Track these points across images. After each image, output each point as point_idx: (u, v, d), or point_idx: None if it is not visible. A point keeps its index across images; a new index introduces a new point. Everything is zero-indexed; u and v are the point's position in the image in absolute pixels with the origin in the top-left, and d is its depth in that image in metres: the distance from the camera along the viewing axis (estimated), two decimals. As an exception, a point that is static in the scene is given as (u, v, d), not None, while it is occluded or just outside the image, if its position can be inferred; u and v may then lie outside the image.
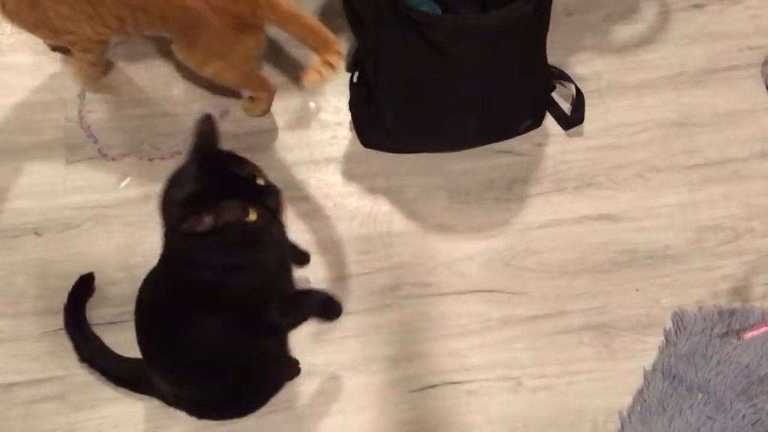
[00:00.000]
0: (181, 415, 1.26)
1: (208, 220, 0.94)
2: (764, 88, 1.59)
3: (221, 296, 1.07)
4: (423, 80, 1.31)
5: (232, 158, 1.03)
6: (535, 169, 1.53)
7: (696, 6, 1.67)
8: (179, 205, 0.97)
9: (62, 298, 1.38)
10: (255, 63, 1.47)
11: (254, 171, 1.02)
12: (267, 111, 1.58)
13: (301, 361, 1.36)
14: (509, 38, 1.25)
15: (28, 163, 1.50)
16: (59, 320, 1.36)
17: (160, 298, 1.13)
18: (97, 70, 1.54)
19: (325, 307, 1.17)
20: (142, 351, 1.18)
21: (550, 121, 1.56)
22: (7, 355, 1.36)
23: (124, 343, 1.33)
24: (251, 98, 1.55)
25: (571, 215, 1.49)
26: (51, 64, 1.59)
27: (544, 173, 1.53)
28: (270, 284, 1.13)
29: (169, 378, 1.19)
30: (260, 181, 1.01)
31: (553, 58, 1.50)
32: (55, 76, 1.59)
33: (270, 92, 1.54)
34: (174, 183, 1.01)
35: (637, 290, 1.43)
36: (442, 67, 1.27)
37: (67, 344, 1.35)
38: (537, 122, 1.52)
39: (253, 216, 0.98)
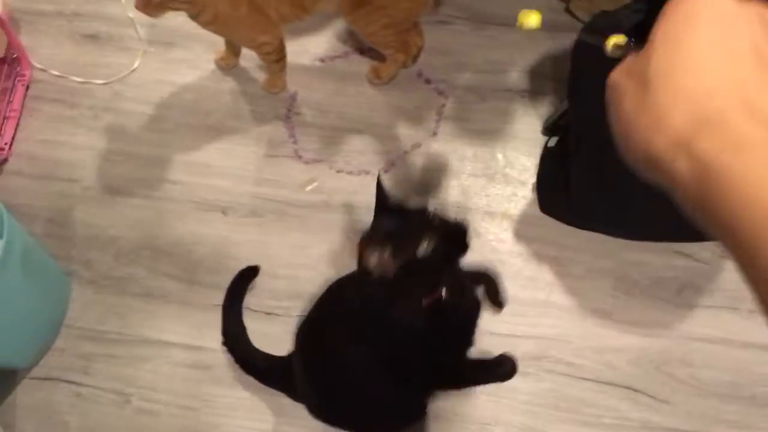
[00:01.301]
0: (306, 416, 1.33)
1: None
2: None
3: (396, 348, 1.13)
4: (625, 173, 1.29)
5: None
6: (712, 280, 1.48)
7: None
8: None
9: (230, 278, 1.49)
10: (415, 22, 1.57)
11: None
12: (393, 78, 1.67)
13: (429, 403, 1.39)
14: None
15: (233, 147, 1.63)
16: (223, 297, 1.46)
17: (340, 314, 1.20)
18: (281, 65, 1.63)
19: (496, 374, 1.23)
20: (303, 350, 1.24)
21: (738, 235, 1.50)
22: (172, 315, 1.48)
23: (272, 336, 1.42)
24: (380, 67, 1.66)
25: (738, 338, 1.43)
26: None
27: (720, 287, 1.47)
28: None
29: (316, 385, 1.25)
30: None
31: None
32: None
33: (408, 55, 1.62)
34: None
35: (793, 436, 1.35)
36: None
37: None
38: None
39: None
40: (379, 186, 1.14)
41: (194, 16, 1.36)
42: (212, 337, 1.45)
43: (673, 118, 0.38)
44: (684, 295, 1.47)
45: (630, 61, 0.43)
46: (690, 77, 0.39)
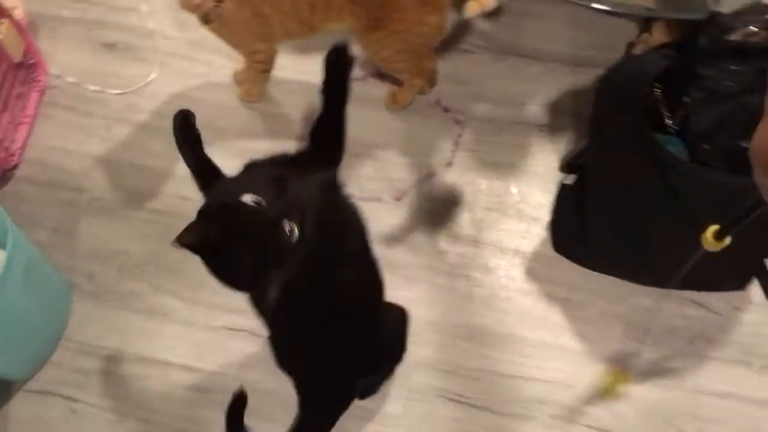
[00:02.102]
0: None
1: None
2: None
3: None
4: (644, 213, 1.27)
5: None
6: (725, 332, 1.44)
7: None
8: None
9: (236, 301, 1.45)
10: (430, 48, 1.54)
11: None
12: (410, 103, 1.65)
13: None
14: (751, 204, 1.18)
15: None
16: (227, 319, 1.44)
17: None
18: (266, 76, 1.62)
19: None
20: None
21: (755, 287, 1.46)
22: (172, 335, 1.45)
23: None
24: (397, 92, 1.64)
25: (750, 394, 1.39)
26: (289, 83, 1.70)
27: (733, 340, 1.43)
28: None
29: None
30: None
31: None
32: (290, 93, 1.69)
33: (425, 80, 1.61)
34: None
35: (802, 501, 1.31)
36: (668, 208, 1.23)
37: (227, 344, 1.43)
38: (742, 285, 1.44)
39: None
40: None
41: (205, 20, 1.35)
42: (212, 360, 1.42)
43: None
44: (695, 345, 1.43)
45: None
46: None
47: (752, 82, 1.18)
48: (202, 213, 0.98)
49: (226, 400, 1.38)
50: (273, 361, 1.24)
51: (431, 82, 1.65)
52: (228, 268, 0.97)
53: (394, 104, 1.65)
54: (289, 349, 1.22)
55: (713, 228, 0.48)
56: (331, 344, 1.15)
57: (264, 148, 1.62)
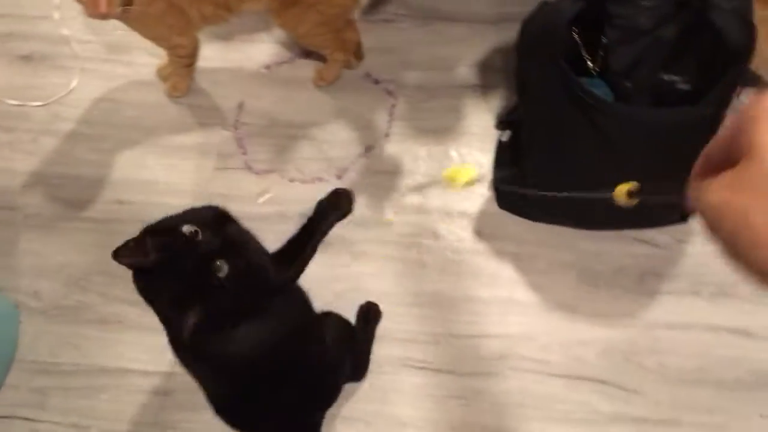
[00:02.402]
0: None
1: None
2: None
3: None
4: (580, 160, 1.28)
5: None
6: (672, 265, 1.47)
7: None
8: None
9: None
10: (346, 19, 1.53)
11: None
12: (337, 78, 1.64)
13: (396, 411, 1.36)
14: (680, 136, 1.20)
15: (181, 162, 1.58)
16: (180, 318, 1.42)
17: None
18: (190, 69, 1.60)
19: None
20: None
21: (697, 218, 1.49)
22: (129, 342, 1.43)
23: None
24: (323, 69, 1.63)
25: (702, 322, 1.42)
26: (218, 72, 1.68)
27: (681, 272, 1.47)
28: None
29: None
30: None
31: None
32: (219, 84, 1.67)
33: (349, 54, 1.60)
34: None
35: (762, 417, 1.34)
36: (603, 151, 1.24)
37: (184, 344, 1.41)
38: (684, 217, 1.46)
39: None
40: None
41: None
42: (172, 361, 1.40)
43: None
44: (646, 282, 1.46)
45: (730, 176, 0.40)
46: None
47: (665, 16, 1.19)
48: (145, 232, 0.98)
49: (191, 399, 1.38)
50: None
51: (357, 55, 1.64)
52: (151, 290, 0.96)
53: (321, 81, 1.63)
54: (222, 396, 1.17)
55: (626, 187, 0.49)
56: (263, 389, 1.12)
57: (197, 141, 1.61)
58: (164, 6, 1.33)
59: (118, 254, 0.93)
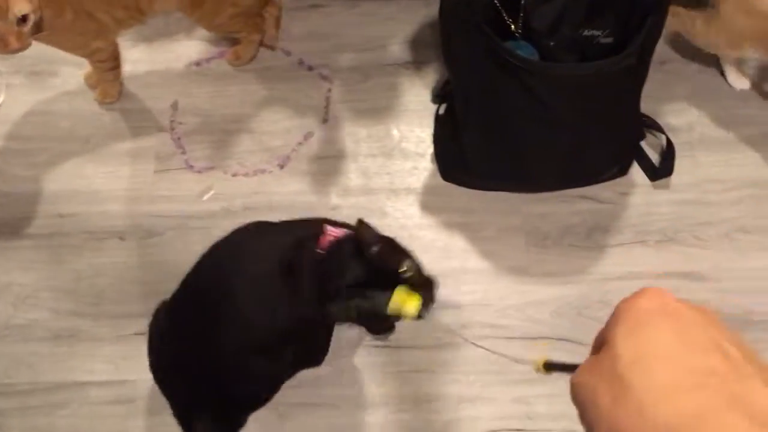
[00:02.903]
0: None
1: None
2: None
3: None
4: (513, 122, 1.30)
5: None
6: (617, 218, 1.50)
7: (799, 63, 1.62)
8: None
9: (139, 304, 1.43)
10: (263, 4, 1.54)
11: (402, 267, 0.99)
12: (254, 58, 1.64)
13: (362, 391, 1.37)
14: (606, 89, 1.23)
15: (120, 168, 1.56)
16: (135, 324, 1.40)
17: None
18: (116, 73, 1.57)
19: None
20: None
21: (636, 170, 1.52)
22: (83, 354, 1.41)
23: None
24: (239, 49, 1.62)
25: (650, 270, 1.45)
26: (148, 73, 1.65)
27: (626, 224, 1.49)
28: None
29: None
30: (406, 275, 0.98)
31: (645, 106, 1.46)
32: (150, 85, 1.65)
33: (261, 35, 1.60)
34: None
35: (715, 354, 1.38)
36: (534, 111, 1.25)
37: (141, 349, 1.39)
38: (623, 171, 1.49)
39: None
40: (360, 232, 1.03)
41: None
42: (130, 369, 1.39)
43: (657, 415, 0.40)
44: (593, 237, 1.48)
45: (592, 362, 0.46)
46: (665, 374, 0.41)
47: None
48: None
49: (154, 404, 1.36)
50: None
51: (277, 24, 1.64)
52: None
53: (237, 60, 1.63)
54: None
55: (542, 360, 0.53)
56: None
57: (134, 146, 1.58)
58: (72, 15, 1.29)
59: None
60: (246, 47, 1.61)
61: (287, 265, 1.07)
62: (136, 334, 1.40)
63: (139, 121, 1.61)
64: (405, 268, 0.98)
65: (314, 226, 1.09)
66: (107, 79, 1.56)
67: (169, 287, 1.43)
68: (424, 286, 1.02)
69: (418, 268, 1.01)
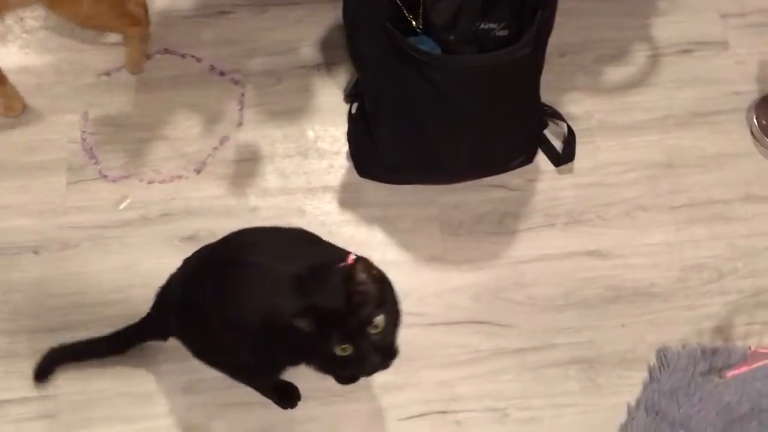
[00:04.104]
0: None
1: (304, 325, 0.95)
2: (749, 133, 1.64)
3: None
4: (420, 116, 1.35)
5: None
6: (526, 204, 1.57)
7: (685, 51, 1.73)
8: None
9: (57, 318, 1.41)
10: None
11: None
12: (144, 57, 1.64)
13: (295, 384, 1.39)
14: (505, 78, 1.29)
15: (30, 182, 1.53)
16: (53, 339, 1.37)
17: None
18: (8, 89, 1.55)
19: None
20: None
21: (541, 157, 1.60)
22: (0, 372, 1.37)
23: (118, 363, 1.36)
24: (126, 54, 1.61)
25: (560, 251, 1.53)
26: (55, 85, 1.63)
27: (535, 208, 1.57)
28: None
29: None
30: (373, 331, 0.96)
31: (546, 96, 1.54)
32: (58, 97, 1.63)
33: (142, 27, 1.57)
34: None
35: (623, 326, 1.46)
36: (439, 103, 1.31)
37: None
38: (529, 158, 1.57)
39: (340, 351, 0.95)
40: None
41: None
42: (50, 383, 1.36)
43: None
44: (505, 223, 1.55)
45: None
46: None
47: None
48: None
49: (76, 418, 1.34)
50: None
51: (146, 23, 1.61)
52: None
53: (135, 67, 1.63)
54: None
55: None
56: None
57: (44, 158, 1.56)
58: None
59: None
60: (131, 48, 1.59)
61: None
62: (51, 348, 1.38)
63: (48, 134, 1.58)
64: (374, 324, 0.95)
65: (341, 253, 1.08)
66: (6, 94, 1.52)
67: (88, 299, 1.43)
68: (382, 351, 0.98)
69: (385, 332, 0.98)
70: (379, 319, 0.96)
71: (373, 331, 0.95)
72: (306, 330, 0.95)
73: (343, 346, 0.94)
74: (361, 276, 0.96)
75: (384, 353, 1.00)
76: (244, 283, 1.12)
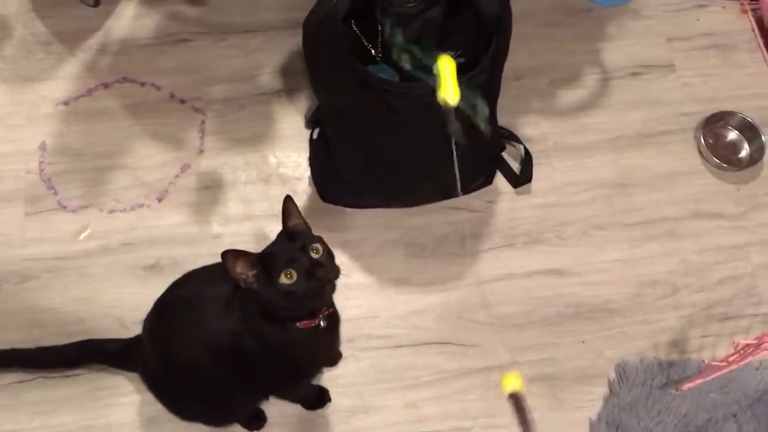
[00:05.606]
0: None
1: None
2: (696, 152, 1.71)
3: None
4: (381, 141, 1.37)
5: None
6: (487, 225, 1.61)
7: (633, 74, 1.79)
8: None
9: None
10: None
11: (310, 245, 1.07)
12: None
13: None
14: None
15: (-14, 214, 1.51)
16: (13, 375, 1.35)
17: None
18: None
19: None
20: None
21: (500, 179, 1.64)
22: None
23: (77, 395, 1.34)
24: None
25: (520, 270, 1.56)
26: (11, 115, 1.61)
27: (495, 229, 1.60)
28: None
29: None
30: (314, 254, 1.06)
31: (503, 120, 1.59)
32: (15, 127, 1.61)
33: None
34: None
35: (583, 342, 1.50)
36: (399, 129, 1.34)
37: (22, 397, 1.35)
38: (488, 180, 1.60)
39: (286, 279, 1.01)
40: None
41: None
42: (10, 419, 1.34)
43: None
44: (466, 245, 1.58)
45: None
46: None
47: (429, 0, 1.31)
48: None
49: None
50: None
51: None
52: None
53: None
54: None
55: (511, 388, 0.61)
56: None
57: (1, 190, 1.54)
58: None
59: None
60: None
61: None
62: (14, 383, 1.36)
63: (5, 164, 1.56)
64: (314, 248, 1.07)
65: None
66: None
67: (50, 331, 1.41)
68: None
69: (326, 261, 1.08)
70: (317, 245, 1.07)
71: (314, 254, 1.05)
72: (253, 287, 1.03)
73: (287, 271, 1.01)
74: (293, 208, 1.13)
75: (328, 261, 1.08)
76: (179, 319, 1.18)
